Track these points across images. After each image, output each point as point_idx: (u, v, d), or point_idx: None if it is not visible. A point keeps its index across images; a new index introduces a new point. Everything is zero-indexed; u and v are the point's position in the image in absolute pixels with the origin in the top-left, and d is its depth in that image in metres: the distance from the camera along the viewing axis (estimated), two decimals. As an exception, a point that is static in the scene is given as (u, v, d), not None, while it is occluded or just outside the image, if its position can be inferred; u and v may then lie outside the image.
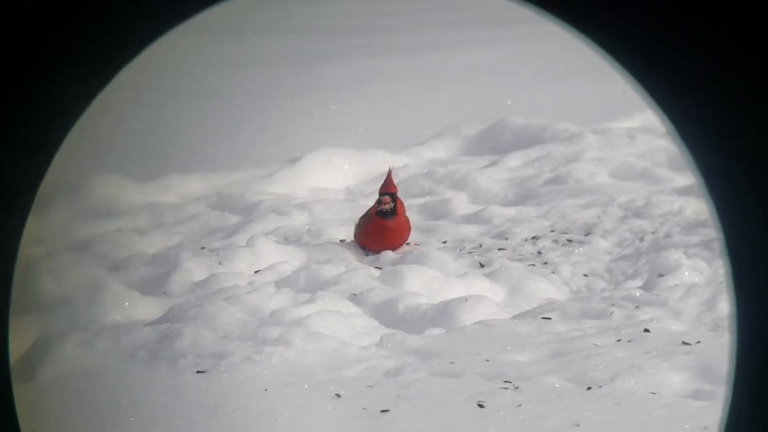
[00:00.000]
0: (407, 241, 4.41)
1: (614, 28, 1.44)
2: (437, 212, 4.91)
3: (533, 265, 4.16)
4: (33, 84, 1.47)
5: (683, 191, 4.79)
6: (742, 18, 1.39)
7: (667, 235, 4.36)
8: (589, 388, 2.98)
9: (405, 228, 4.36)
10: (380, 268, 4.09)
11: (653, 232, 4.41)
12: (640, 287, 3.88)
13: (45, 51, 1.46)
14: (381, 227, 4.31)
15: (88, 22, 1.46)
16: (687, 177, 4.92)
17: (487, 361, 3.17)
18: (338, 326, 3.42)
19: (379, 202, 4.31)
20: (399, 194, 4.38)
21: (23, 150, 1.49)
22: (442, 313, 3.59)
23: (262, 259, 4.14)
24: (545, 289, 3.93)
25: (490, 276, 3.99)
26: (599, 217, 4.65)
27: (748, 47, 1.39)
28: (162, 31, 1.51)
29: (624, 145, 5.66)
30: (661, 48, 1.43)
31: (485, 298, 3.71)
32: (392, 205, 4.30)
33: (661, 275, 3.91)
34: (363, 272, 3.96)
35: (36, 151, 1.51)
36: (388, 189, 4.33)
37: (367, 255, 4.31)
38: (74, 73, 1.49)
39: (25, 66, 1.46)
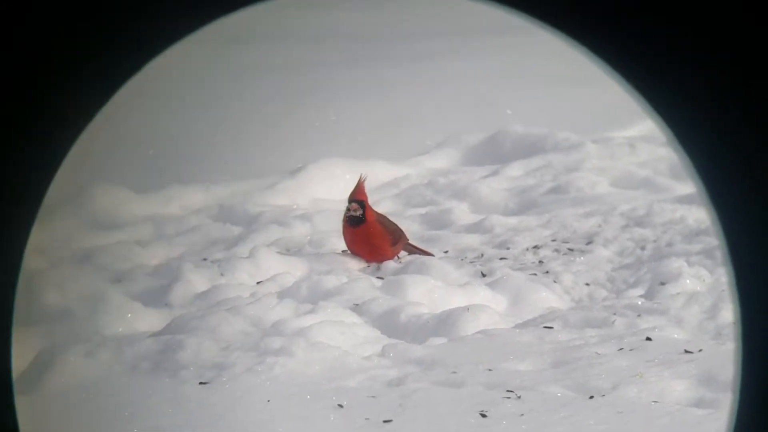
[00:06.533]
0: (398, 254, 4.38)
1: (610, 36, 1.45)
2: (439, 222, 4.91)
3: (535, 274, 4.16)
4: (43, 87, 1.47)
5: (684, 200, 4.79)
6: (738, 21, 1.39)
7: (669, 244, 4.36)
8: (591, 397, 2.98)
9: (375, 235, 4.30)
10: (382, 278, 4.09)
11: (655, 241, 4.41)
12: (641, 296, 3.88)
13: (57, 52, 1.45)
14: (349, 234, 4.33)
15: (104, 23, 1.46)
16: (688, 185, 4.92)
17: (489, 370, 3.17)
18: (340, 336, 3.42)
19: (347, 209, 4.32)
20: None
21: (29, 157, 1.49)
22: (444, 323, 3.59)
23: (263, 270, 4.14)
24: (547, 299, 3.93)
25: (491, 285, 3.99)
26: (600, 226, 4.65)
27: (746, 51, 1.40)
28: (182, 35, 1.50)
29: (625, 154, 5.67)
30: (658, 54, 1.43)
31: (487, 308, 3.71)
32: (360, 212, 4.29)
33: (662, 284, 3.91)
34: (364, 282, 3.96)
35: (43, 158, 1.50)
36: (355, 196, 4.33)
37: (368, 266, 4.31)
38: (86, 76, 1.49)
39: (35, 68, 1.45)
